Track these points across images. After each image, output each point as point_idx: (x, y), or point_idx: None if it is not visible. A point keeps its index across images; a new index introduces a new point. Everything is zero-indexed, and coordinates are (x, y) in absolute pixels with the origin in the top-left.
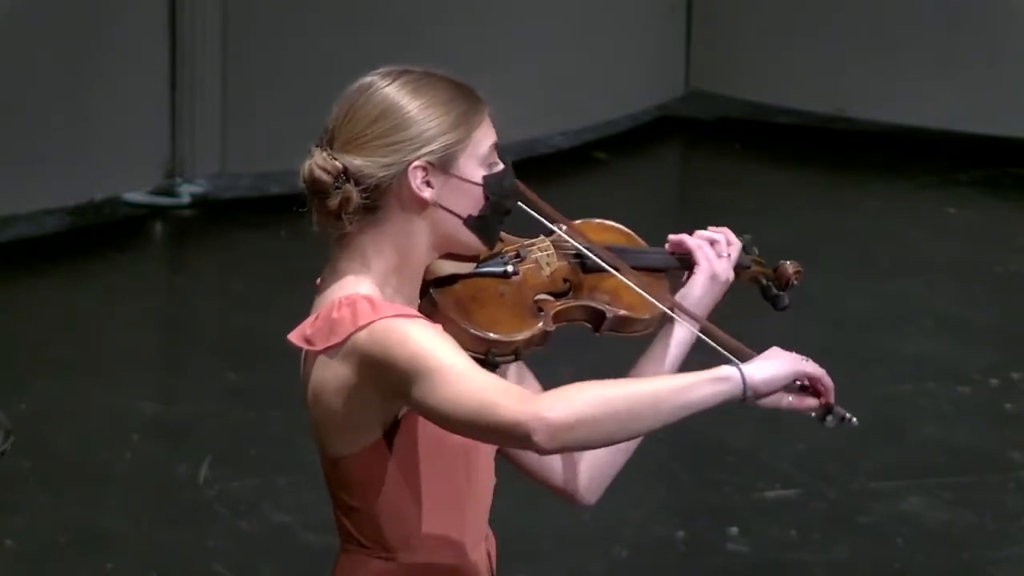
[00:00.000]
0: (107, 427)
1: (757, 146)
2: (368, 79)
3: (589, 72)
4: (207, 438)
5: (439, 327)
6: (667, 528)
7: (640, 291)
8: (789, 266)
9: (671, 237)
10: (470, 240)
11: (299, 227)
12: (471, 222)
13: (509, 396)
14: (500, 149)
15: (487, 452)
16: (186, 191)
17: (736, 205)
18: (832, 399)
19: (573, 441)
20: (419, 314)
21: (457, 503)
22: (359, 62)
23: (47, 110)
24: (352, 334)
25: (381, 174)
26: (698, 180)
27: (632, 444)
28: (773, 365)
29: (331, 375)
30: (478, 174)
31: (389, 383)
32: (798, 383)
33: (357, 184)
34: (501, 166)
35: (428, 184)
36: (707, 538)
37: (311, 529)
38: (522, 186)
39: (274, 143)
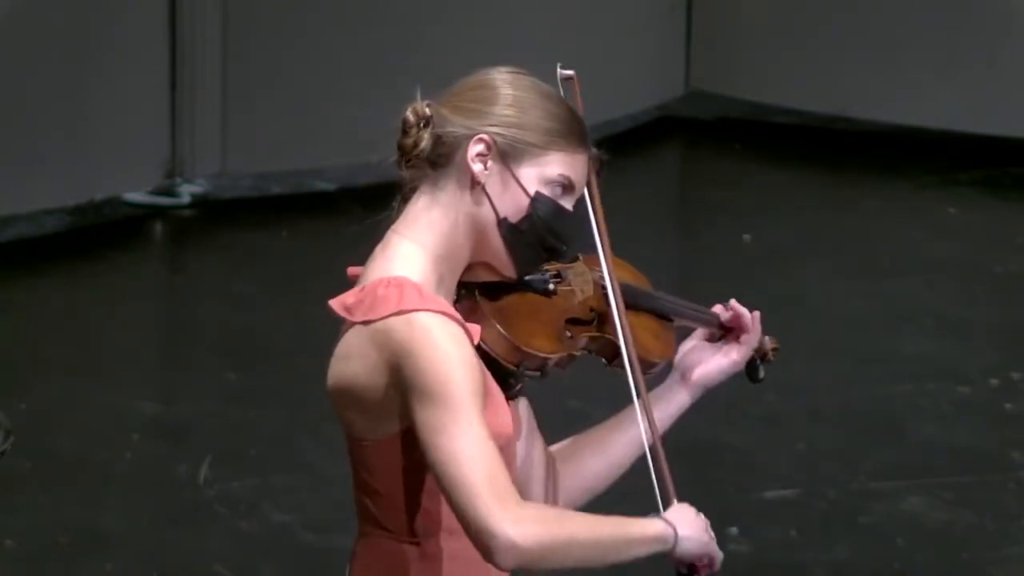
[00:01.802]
0: (107, 427)
1: (757, 146)
2: (500, 66)
3: (589, 72)
4: (207, 438)
5: (473, 352)
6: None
7: (625, 354)
8: (768, 341)
9: (736, 306)
10: (496, 245)
11: (299, 227)
12: (504, 226)
13: (496, 494)
14: (576, 197)
15: (511, 452)
16: (186, 191)
17: (736, 205)
18: None
19: (528, 567)
20: (459, 317)
21: None
22: (359, 62)
23: (47, 110)
24: (391, 315)
25: (450, 128)
26: (698, 180)
27: (605, 484)
28: (697, 540)
29: (357, 352)
30: (533, 187)
31: (404, 381)
32: (699, 563)
33: (432, 133)
34: (562, 201)
35: (484, 164)
36: None
37: (311, 529)
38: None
39: (274, 143)
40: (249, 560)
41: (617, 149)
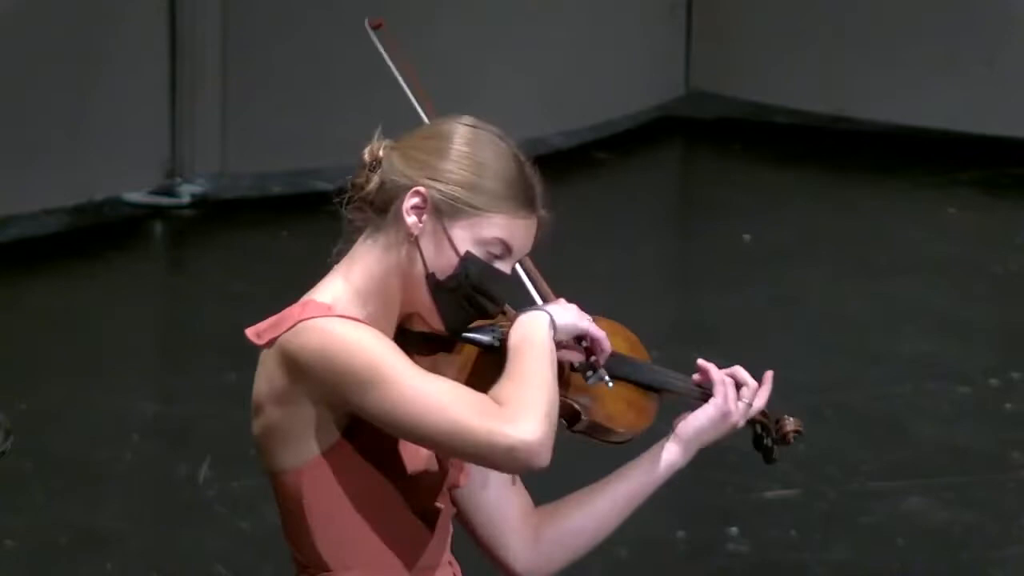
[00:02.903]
0: (107, 427)
1: (757, 146)
2: (466, 116)
3: (589, 72)
4: (207, 438)
5: (376, 331)
6: (667, 528)
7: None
8: (790, 422)
9: (700, 363)
10: (424, 299)
11: (300, 227)
12: (432, 281)
13: (480, 412)
14: (517, 259)
15: (430, 483)
16: (186, 191)
17: (736, 205)
18: (602, 360)
19: (550, 449)
20: (367, 323)
21: (403, 527)
22: (359, 62)
23: (47, 110)
24: (288, 328)
25: (392, 177)
26: (698, 180)
27: (597, 539)
28: (569, 318)
29: (267, 375)
30: (464, 246)
31: (327, 387)
32: (583, 340)
33: (380, 177)
34: (497, 263)
35: (419, 216)
36: (707, 538)
37: None
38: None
39: (274, 143)
40: (249, 560)
41: (617, 149)
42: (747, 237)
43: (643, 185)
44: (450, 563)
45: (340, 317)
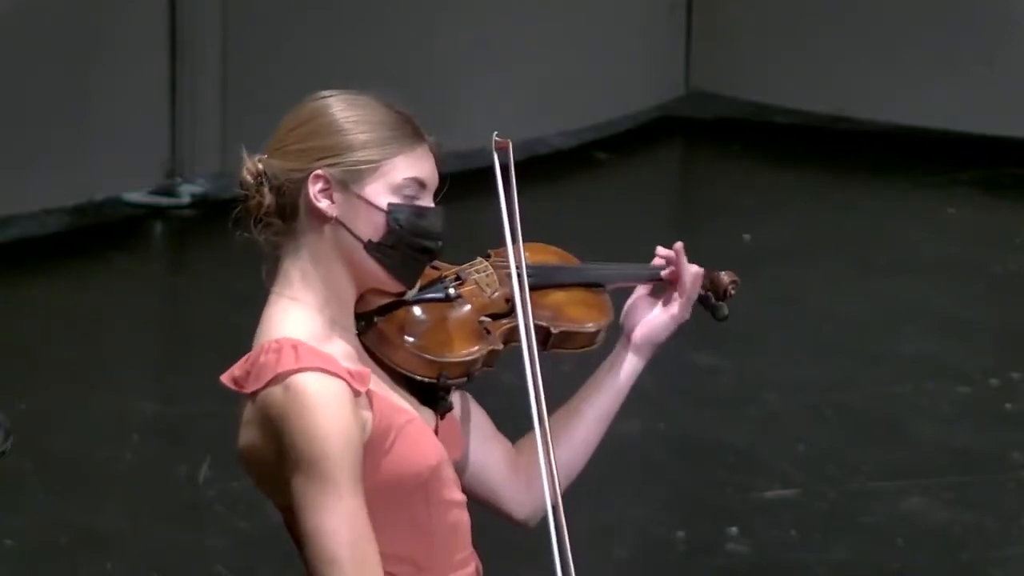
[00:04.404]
0: (107, 427)
1: (757, 146)
2: (314, 93)
3: (589, 72)
4: (207, 438)
5: (350, 413)
6: (667, 528)
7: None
8: (724, 276)
9: (663, 255)
10: (372, 268)
11: None
12: (372, 248)
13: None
14: (432, 190)
15: (450, 486)
16: (186, 191)
17: (736, 205)
18: None
19: None
20: (341, 369)
21: (418, 537)
22: (360, 62)
23: (47, 110)
24: (269, 383)
25: (285, 177)
26: (698, 180)
27: (576, 470)
28: None
29: (249, 422)
30: (384, 200)
31: (282, 449)
32: None
33: (272, 187)
34: (418, 201)
35: (329, 198)
36: (707, 538)
37: None
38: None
39: None
40: (249, 560)
41: (617, 149)
42: (747, 237)
43: (643, 185)
44: (472, 562)
45: (323, 372)
